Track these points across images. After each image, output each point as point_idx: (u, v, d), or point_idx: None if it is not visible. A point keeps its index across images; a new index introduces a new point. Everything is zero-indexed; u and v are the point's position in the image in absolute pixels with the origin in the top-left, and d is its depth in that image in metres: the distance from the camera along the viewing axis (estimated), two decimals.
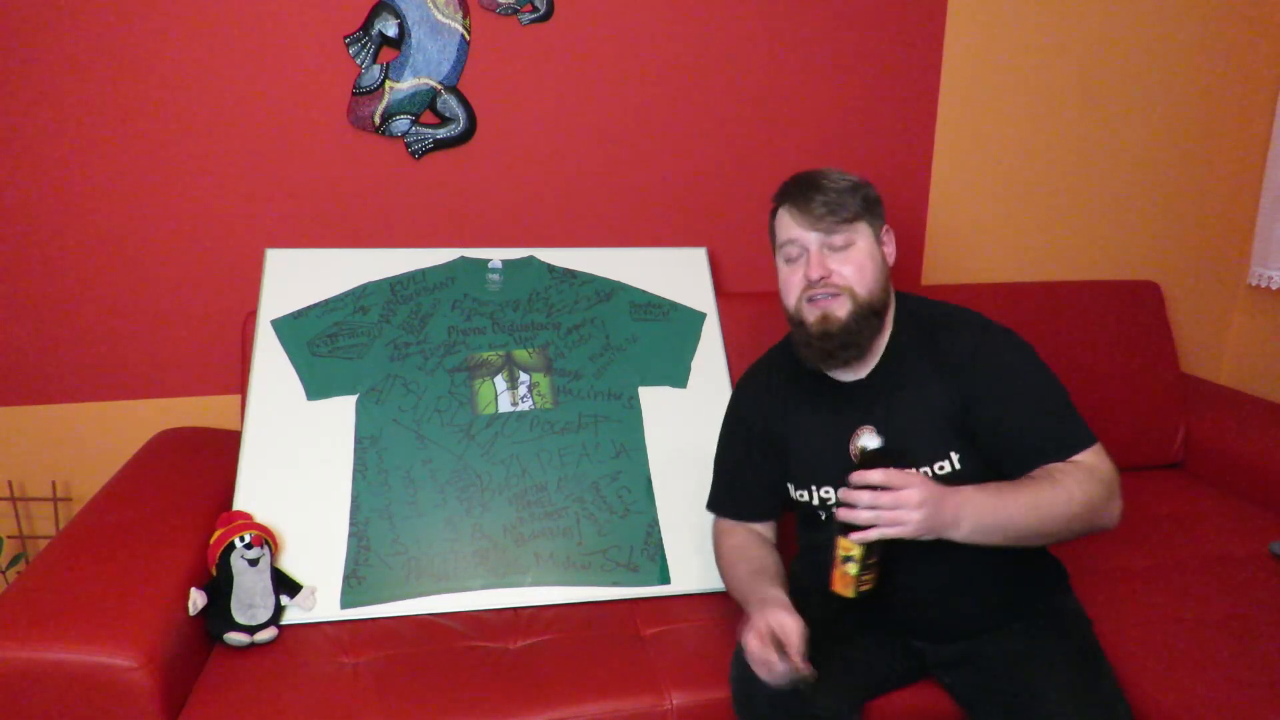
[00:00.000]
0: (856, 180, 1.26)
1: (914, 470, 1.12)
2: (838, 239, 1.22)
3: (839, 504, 1.12)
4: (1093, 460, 1.18)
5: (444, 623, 1.41)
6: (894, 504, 1.06)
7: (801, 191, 1.25)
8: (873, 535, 1.08)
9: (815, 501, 1.30)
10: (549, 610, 1.45)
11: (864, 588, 1.12)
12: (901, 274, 2.06)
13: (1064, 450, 1.19)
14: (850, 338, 1.22)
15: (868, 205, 1.25)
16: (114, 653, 1.10)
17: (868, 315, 1.22)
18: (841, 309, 1.22)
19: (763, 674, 1.07)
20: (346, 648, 1.34)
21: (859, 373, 1.28)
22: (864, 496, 1.08)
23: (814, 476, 1.29)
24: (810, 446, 1.30)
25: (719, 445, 1.43)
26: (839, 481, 1.18)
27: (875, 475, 1.08)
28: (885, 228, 1.29)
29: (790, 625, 1.06)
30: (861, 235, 1.24)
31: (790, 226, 1.25)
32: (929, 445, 1.22)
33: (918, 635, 1.30)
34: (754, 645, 1.07)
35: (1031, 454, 1.20)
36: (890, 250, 1.29)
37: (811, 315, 1.24)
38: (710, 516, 1.43)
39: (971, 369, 1.22)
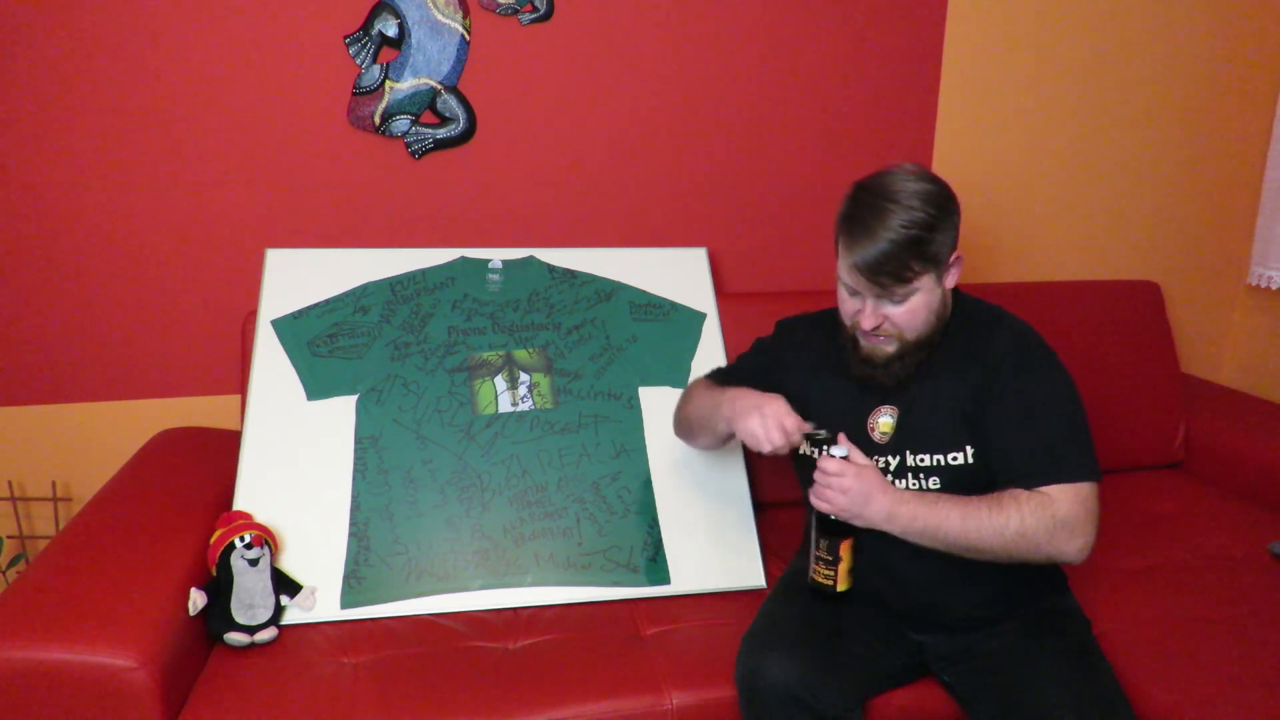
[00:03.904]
0: (924, 220, 1.15)
1: (856, 464, 1.22)
2: (896, 294, 1.20)
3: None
4: (1059, 495, 1.16)
5: (444, 623, 1.41)
6: (826, 484, 1.21)
7: (861, 237, 1.17)
8: (824, 507, 1.22)
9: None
10: (549, 610, 1.45)
11: (828, 581, 1.25)
12: None
13: (1040, 478, 1.18)
14: (890, 368, 1.26)
15: (931, 253, 1.17)
16: (114, 653, 1.10)
17: (914, 351, 1.25)
18: (889, 346, 1.25)
19: (778, 439, 1.22)
20: (346, 648, 1.33)
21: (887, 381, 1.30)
22: (817, 475, 1.23)
23: None
24: (830, 408, 1.32)
25: (747, 352, 1.51)
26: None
27: (823, 462, 1.23)
28: (955, 255, 1.23)
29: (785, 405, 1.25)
30: (922, 288, 1.20)
31: (848, 270, 1.21)
32: (946, 435, 1.25)
33: (916, 627, 1.31)
34: (785, 422, 1.22)
35: (1011, 471, 1.20)
36: (954, 275, 1.25)
37: (862, 343, 1.28)
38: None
39: (996, 371, 1.23)
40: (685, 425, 1.49)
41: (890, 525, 1.20)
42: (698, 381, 1.51)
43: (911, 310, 1.21)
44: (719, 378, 1.49)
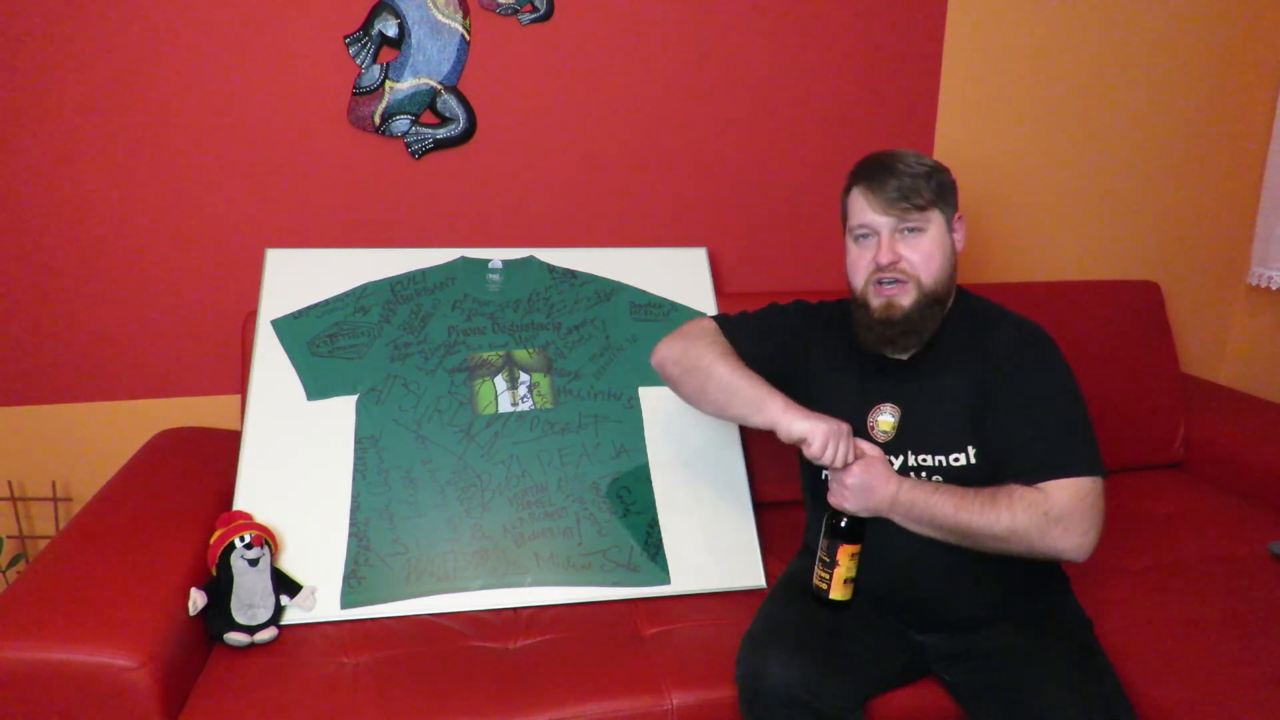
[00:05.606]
0: (932, 165, 1.27)
1: (864, 459, 1.23)
2: (910, 225, 1.24)
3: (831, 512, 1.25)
4: (1055, 491, 1.16)
5: (444, 623, 1.41)
6: (835, 478, 1.25)
7: (877, 173, 1.25)
8: (833, 500, 1.24)
9: None
10: (549, 610, 1.45)
11: (822, 584, 1.24)
12: None
13: (1039, 473, 1.18)
14: (912, 325, 1.26)
15: (942, 192, 1.26)
16: (114, 653, 1.10)
17: (931, 304, 1.26)
18: (906, 298, 1.25)
19: (841, 450, 1.21)
20: (346, 648, 1.33)
21: (902, 353, 1.30)
22: (828, 473, 1.27)
23: None
24: (833, 404, 1.29)
25: (765, 310, 1.45)
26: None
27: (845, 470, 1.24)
28: (957, 215, 1.30)
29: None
30: (933, 223, 1.25)
31: (863, 209, 1.27)
32: (948, 436, 1.25)
33: (916, 626, 1.31)
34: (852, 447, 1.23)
35: (1012, 467, 1.21)
36: (960, 237, 1.30)
37: (876, 301, 1.27)
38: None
39: (1001, 366, 1.24)
40: (697, 382, 1.32)
41: (893, 512, 1.23)
42: (712, 336, 1.37)
43: (926, 252, 1.24)
44: (730, 330, 1.40)
